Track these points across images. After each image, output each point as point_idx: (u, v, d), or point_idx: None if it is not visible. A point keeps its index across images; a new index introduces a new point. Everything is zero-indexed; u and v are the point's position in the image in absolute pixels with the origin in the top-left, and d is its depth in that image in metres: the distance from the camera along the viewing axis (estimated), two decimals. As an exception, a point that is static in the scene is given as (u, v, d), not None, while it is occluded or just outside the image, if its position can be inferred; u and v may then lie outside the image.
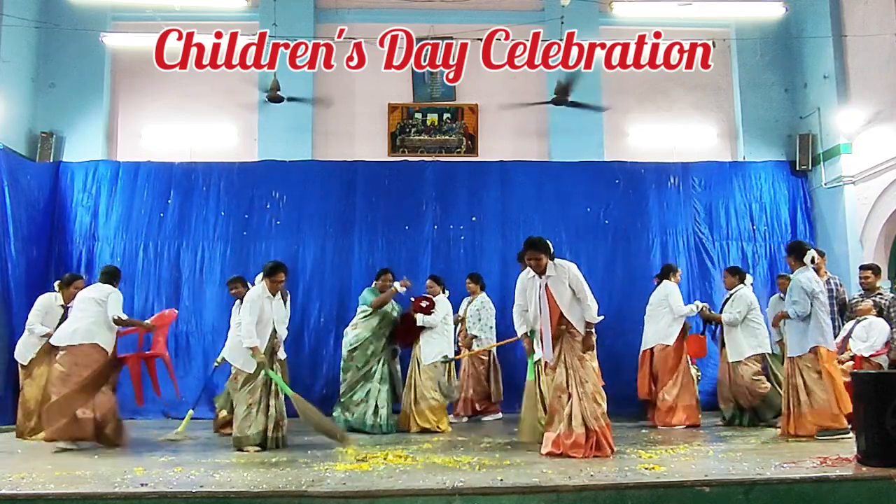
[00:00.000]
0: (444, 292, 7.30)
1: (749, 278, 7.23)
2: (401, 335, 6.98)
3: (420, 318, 6.89)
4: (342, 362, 6.95)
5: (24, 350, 6.69)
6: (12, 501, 3.68)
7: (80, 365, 5.70)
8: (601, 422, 4.93)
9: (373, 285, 7.15)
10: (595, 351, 5.17)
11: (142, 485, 3.92)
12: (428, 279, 7.44)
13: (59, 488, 3.84)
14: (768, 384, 6.71)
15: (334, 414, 6.77)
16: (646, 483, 3.87)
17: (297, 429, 6.57)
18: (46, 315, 6.67)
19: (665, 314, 7.03)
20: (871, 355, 6.45)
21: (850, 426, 5.55)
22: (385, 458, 4.84)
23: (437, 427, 6.70)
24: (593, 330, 5.11)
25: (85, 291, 6.11)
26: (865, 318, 6.63)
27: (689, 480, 3.88)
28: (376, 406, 6.63)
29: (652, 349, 7.10)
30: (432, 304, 6.97)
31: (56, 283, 6.99)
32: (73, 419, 5.60)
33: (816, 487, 3.85)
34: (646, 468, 4.33)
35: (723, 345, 7.00)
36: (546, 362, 5.21)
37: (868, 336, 6.52)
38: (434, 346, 6.90)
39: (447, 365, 7.07)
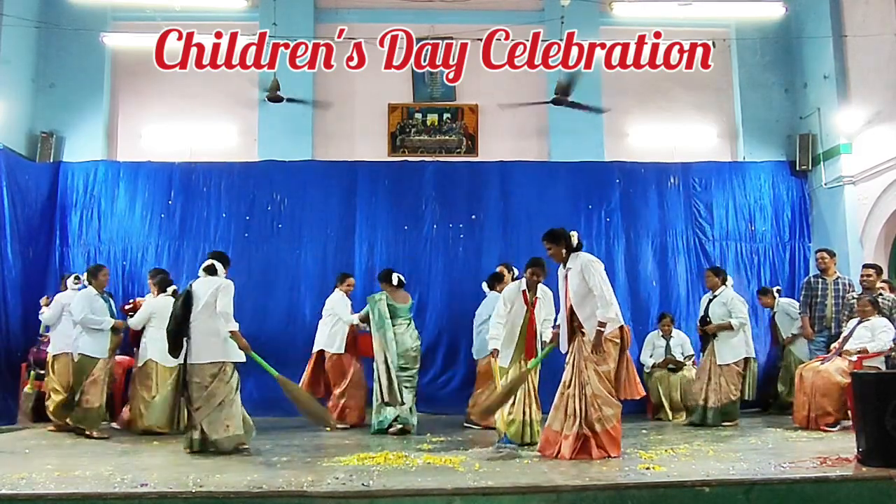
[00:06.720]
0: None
1: (730, 279, 7.25)
2: None
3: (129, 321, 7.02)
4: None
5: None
6: (12, 501, 3.68)
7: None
8: (595, 427, 4.82)
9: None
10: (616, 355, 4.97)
11: (142, 485, 3.92)
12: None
13: (59, 488, 3.84)
14: (739, 391, 6.90)
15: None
16: (646, 483, 3.88)
17: (292, 428, 6.60)
18: (93, 308, 6.53)
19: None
20: (875, 354, 6.38)
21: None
22: (385, 459, 4.84)
23: None
24: (604, 330, 4.83)
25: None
26: (868, 319, 6.58)
27: (689, 480, 3.88)
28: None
29: None
30: (135, 307, 7.15)
31: (83, 276, 6.89)
32: None
33: (816, 487, 3.86)
34: (646, 468, 4.33)
35: (703, 347, 7.11)
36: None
37: (874, 335, 6.46)
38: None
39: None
